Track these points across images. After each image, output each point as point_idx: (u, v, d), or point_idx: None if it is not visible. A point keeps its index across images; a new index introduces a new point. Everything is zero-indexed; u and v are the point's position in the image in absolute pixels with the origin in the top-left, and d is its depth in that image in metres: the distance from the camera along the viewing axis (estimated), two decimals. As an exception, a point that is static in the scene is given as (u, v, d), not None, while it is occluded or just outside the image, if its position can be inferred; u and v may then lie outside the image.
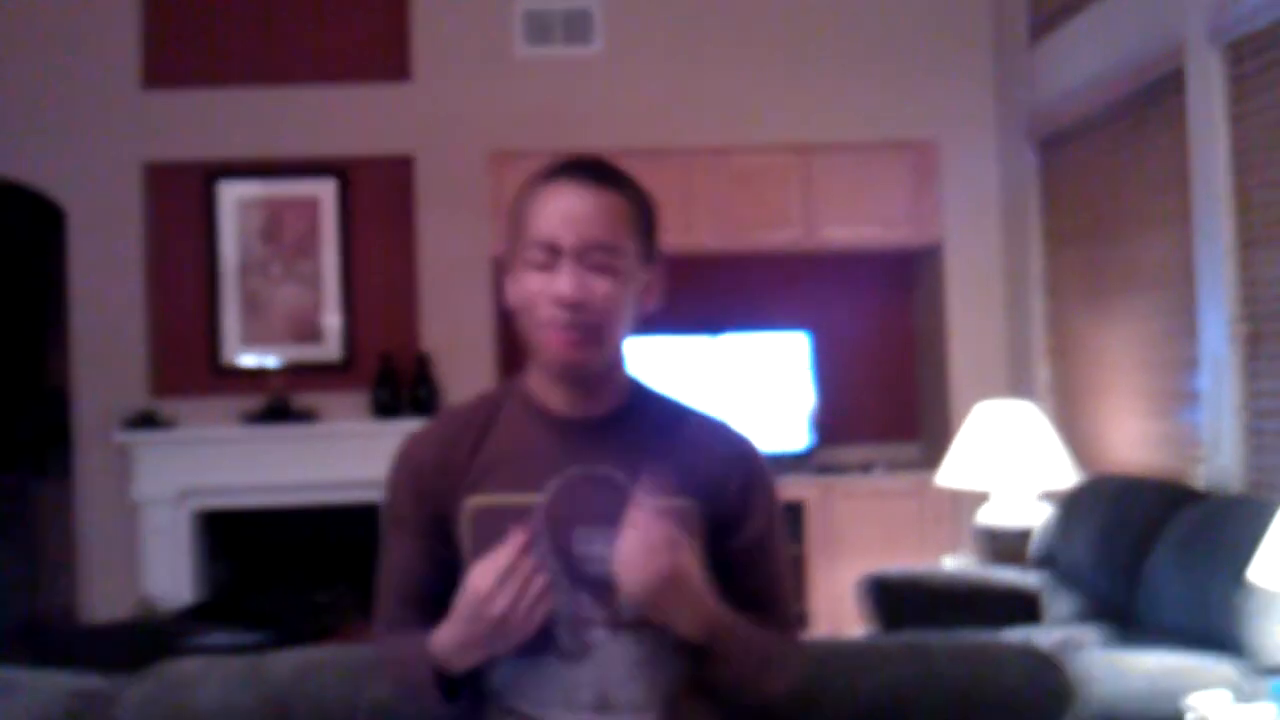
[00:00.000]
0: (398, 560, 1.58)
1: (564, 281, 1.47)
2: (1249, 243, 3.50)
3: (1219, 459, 3.59)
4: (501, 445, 1.55)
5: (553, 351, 1.50)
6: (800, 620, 1.60)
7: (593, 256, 1.48)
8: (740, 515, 1.56)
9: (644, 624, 1.46)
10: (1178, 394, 3.91)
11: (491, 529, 1.46)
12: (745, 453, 1.60)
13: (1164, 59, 3.88)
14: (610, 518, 1.45)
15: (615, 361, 1.57)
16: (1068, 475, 4.23)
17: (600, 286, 1.48)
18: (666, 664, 1.50)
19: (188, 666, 1.89)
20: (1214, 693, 2.28)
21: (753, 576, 1.57)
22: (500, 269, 1.45)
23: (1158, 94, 3.98)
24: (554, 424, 1.55)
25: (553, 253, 1.48)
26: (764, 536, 1.58)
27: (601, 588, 1.46)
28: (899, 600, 3.98)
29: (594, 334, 1.49)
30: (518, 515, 1.47)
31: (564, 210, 1.49)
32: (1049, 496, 4.21)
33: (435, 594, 1.51)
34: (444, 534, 1.54)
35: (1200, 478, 3.71)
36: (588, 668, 1.48)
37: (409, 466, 1.57)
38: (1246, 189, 3.50)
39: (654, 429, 1.57)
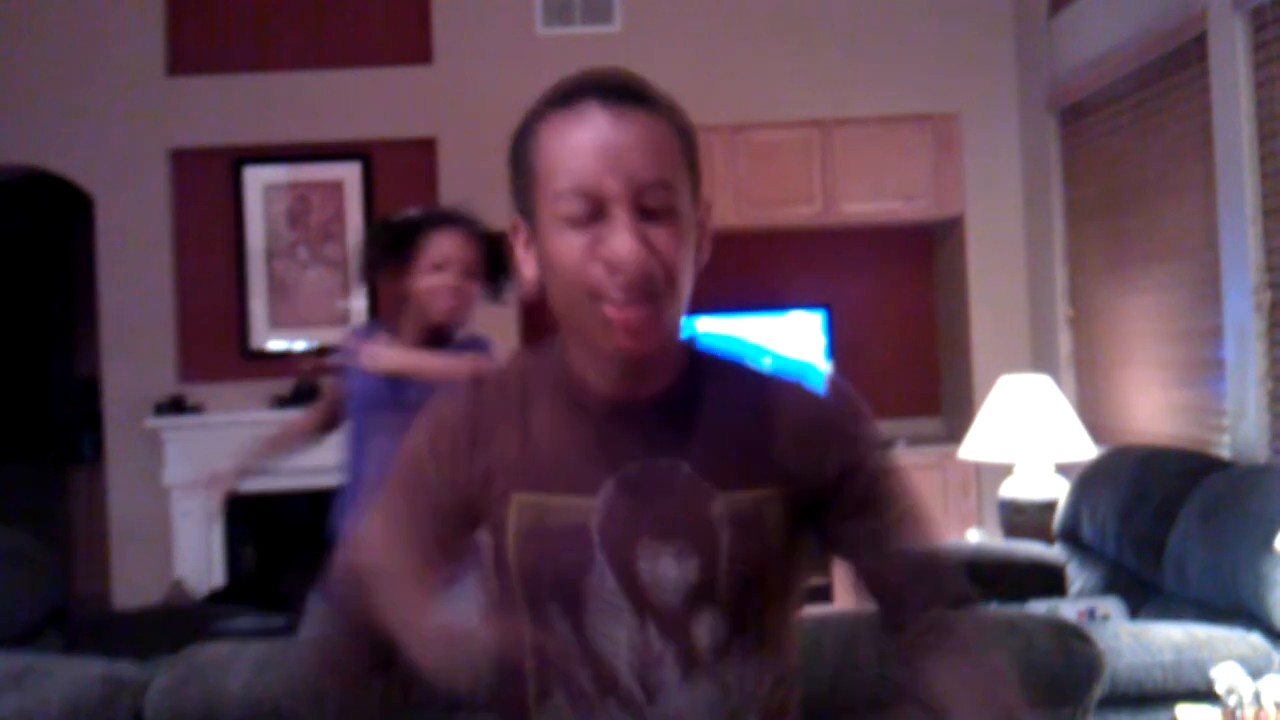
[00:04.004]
0: (399, 512, 1.30)
1: (620, 240, 1.12)
2: (1272, 210, 3.46)
3: (1243, 428, 3.57)
4: (541, 431, 1.25)
5: (615, 339, 1.14)
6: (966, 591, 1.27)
7: (648, 199, 1.13)
8: (843, 491, 1.25)
9: (724, 660, 1.21)
10: (1201, 364, 3.88)
11: (538, 539, 1.22)
12: (840, 420, 1.26)
13: (1185, 26, 3.83)
14: (677, 527, 1.19)
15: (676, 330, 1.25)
16: (1090, 447, 4.21)
17: (662, 238, 1.14)
18: (749, 709, 1.23)
19: (218, 650, 1.90)
20: (1240, 663, 2.28)
21: (883, 533, 1.24)
22: (512, 235, 1.30)
23: (1179, 62, 3.94)
24: (598, 408, 1.23)
25: (594, 203, 1.13)
26: (880, 497, 1.26)
27: (671, 617, 1.19)
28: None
29: (663, 304, 1.15)
30: (568, 522, 1.21)
31: (599, 144, 1.14)
32: (1072, 469, 4.20)
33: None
34: (464, 521, 1.28)
35: (1224, 447, 3.69)
36: (655, 715, 1.20)
37: (441, 434, 1.27)
38: (1270, 156, 3.46)
39: (722, 404, 1.25)
